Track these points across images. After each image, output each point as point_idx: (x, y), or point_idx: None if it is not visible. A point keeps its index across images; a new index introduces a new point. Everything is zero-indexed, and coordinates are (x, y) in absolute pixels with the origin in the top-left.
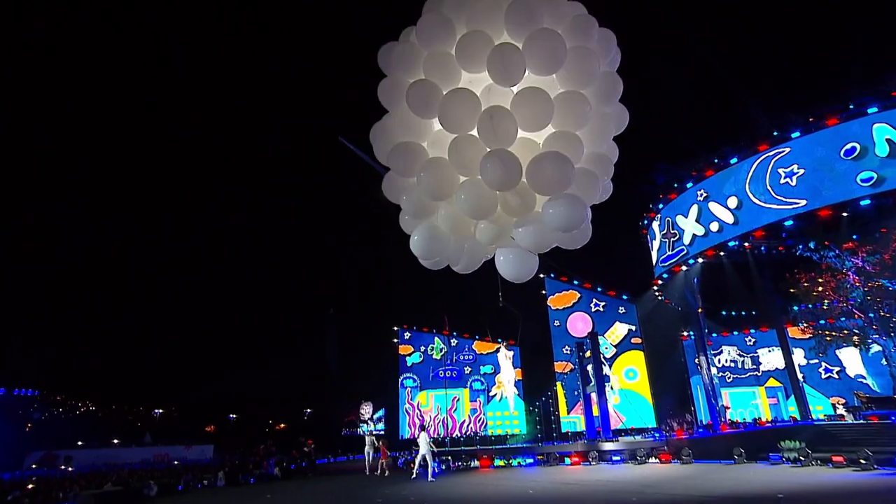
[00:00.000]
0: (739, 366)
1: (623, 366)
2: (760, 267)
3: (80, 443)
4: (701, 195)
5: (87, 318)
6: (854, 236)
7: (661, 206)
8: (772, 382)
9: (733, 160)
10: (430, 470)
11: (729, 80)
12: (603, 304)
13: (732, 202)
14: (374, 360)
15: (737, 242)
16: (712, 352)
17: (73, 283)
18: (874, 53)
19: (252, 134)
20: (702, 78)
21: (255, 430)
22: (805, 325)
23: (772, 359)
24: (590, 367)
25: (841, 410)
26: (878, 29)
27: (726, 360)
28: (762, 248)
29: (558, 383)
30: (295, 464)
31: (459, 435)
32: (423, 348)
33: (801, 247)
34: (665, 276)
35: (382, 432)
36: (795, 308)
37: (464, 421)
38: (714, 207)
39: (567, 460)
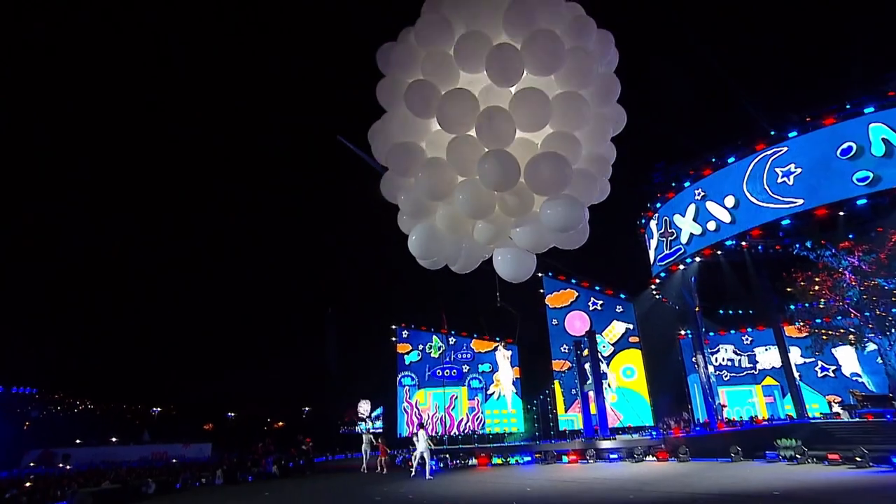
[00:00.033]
0: (736, 364)
1: (620, 364)
2: (757, 266)
3: (78, 441)
4: (698, 194)
5: (85, 316)
6: (850, 235)
7: (658, 205)
8: (768, 381)
9: (731, 159)
10: (427, 468)
11: (727, 79)
12: (601, 302)
13: (730, 201)
14: (372, 359)
15: (734, 241)
16: (709, 350)
17: (71, 282)
18: (871, 53)
19: (252, 134)
20: (699, 77)
21: (253, 428)
22: (801, 323)
23: (768, 357)
24: (587, 366)
25: (837, 409)
26: (876, 29)
27: (723, 359)
28: (759, 248)
29: (556, 382)
30: (293, 462)
31: (457, 433)
32: (421, 347)
33: (797, 246)
34: (662, 274)
35: (380, 430)
36: (792, 307)
37: (462, 419)
38: (711, 206)
39: (564, 458)
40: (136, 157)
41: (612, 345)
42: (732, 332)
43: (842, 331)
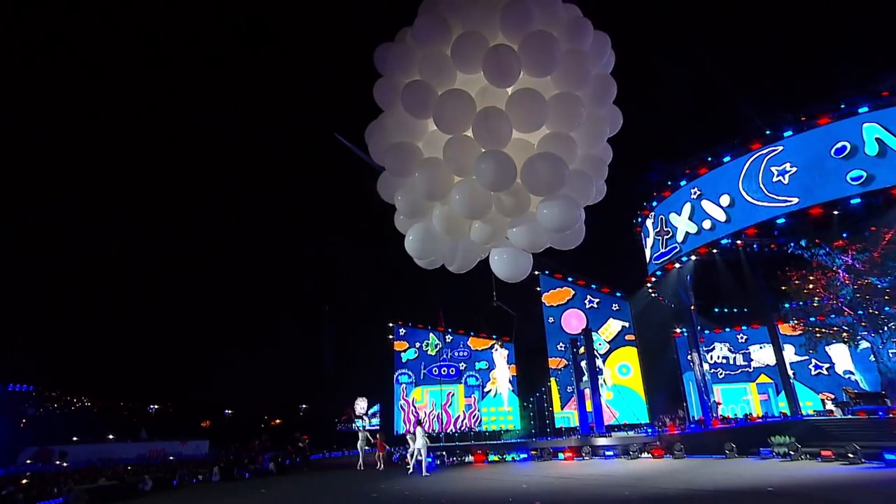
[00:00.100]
0: (731, 362)
1: (616, 362)
2: (752, 264)
3: (75, 438)
4: (694, 193)
5: (82, 314)
6: (844, 234)
7: (654, 203)
8: (763, 379)
9: (726, 158)
10: (423, 465)
11: (722, 79)
12: (597, 300)
13: (725, 200)
14: (369, 357)
15: (729, 240)
16: (704, 348)
17: (69, 280)
18: (866, 53)
19: (252, 134)
20: (696, 77)
21: (250, 425)
22: (796, 321)
23: (763, 355)
24: (583, 364)
25: (830, 406)
26: (870, 29)
27: (718, 357)
28: (754, 246)
29: (552, 379)
30: (290, 459)
31: (454, 430)
32: (418, 344)
33: (792, 245)
34: (658, 273)
35: (377, 428)
36: (787, 305)
37: (458, 416)
38: (707, 205)
39: (560, 455)
40: (136, 157)
41: (608, 342)
42: (727, 330)
43: (835, 329)
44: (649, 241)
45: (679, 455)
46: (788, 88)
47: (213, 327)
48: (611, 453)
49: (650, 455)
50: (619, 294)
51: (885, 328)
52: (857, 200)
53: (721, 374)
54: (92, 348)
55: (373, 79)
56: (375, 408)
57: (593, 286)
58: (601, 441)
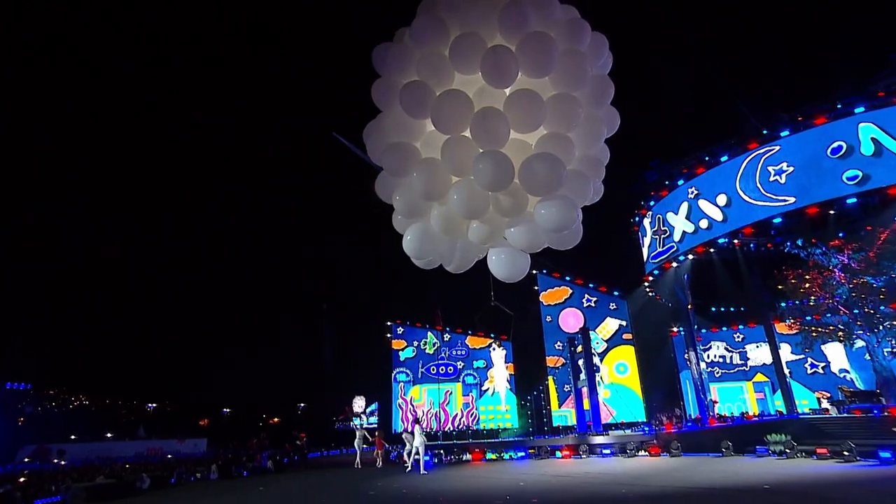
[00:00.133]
0: (728, 361)
1: (614, 360)
2: (749, 264)
3: (73, 437)
4: (692, 192)
5: (81, 314)
6: (840, 234)
7: (652, 203)
8: (759, 377)
9: (724, 158)
10: (421, 463)
11: (720, 79)
12: (595, 299)
13: (722, 200)
14: (367, 355)
15: (726, 239)
16: (701, 347)
17: (68, 280)
18: (863, 53)
19: (251, 134)
20: (693, 77)
21: (248, 424)
22: (792, 320)
23: (759, 354)
24: (581, 362)
25: (825, 404)
26: (867, 30)
27: (715, 356)
28: (751, 245)
29: (550, 378)
30: (288, 457)
31: (452, 429)
32: (416, 343)
33: (789, 244)
34: (656, 272)
35: (375, 426)
36: (783, 304)
37: (456, 415)
38: (704, 205)
39: (558, 454)
40: (136, 157)
41: (606, 341)
42: (724, 329)
43: (831, 328)
44: (647, 241)
45: (676, 453)
46: (785, 88)
47: (211, 326)
48: (608, 451)
49: (647, 453)
50: (616, 293)
51: (881, 327)
52: (853, 200)
53: (718, 372)
54: (90, 347)
55: (371, 79)
56: (374, 406)
57: (591, 285)
58: (598, 439)
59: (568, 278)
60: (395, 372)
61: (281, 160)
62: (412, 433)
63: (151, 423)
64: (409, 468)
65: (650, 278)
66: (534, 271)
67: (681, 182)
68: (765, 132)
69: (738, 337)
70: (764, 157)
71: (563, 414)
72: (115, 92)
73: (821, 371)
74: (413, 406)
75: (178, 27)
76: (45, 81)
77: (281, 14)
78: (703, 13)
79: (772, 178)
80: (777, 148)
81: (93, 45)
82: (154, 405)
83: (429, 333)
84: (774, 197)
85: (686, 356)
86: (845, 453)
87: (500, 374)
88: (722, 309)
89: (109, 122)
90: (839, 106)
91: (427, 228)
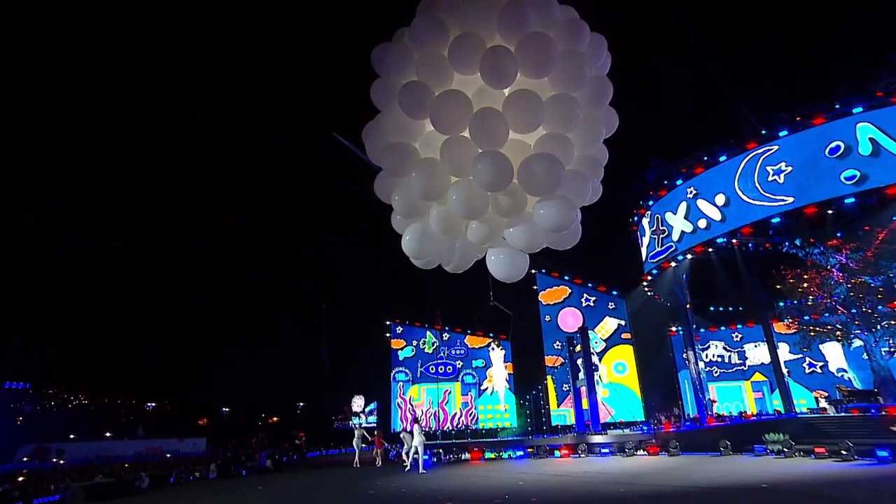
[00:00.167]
0: (726, 361)
1: (612, 360)
2: (748, 263)
3: (72, 436)
4: (690, 192)
5: (80, 313)
6: (838, 234)
7: (651, 202)
8: (757, 377)
9: (722, 158)
10: (420, 462)
11: (719, 79)
12: (593, 299)
13: (720, 199)
14: (366, 355)
15: (725, 239)
16: (700, 347)
17: (67, 279)
18: (861, 54)
19: (251, 133)
20: (692, 77)
21: (248, 423)
22: (790, 320)
23: (757, 354)
24: (580, 362)
25: (823, 404)
26: (866, 30)
27: (713, 355)
28: (750, 245)
29: (549, 377)
30: (287, 456)
31: (451, 428)
32: (415, 342)
33: (787, 244)
34: (654, 272)
35: (374, 425)
36: (781, 304)
37: (455, 414)
38: (702, 204)
39: (557, 453)
40: (136, 157)
41: (605, 341)
42: (723, 328)
43: (829, 327)
44: (645, 240)
45: (674, 452)
46: (785, 88)
47: (210, 325)
48: (607, 451)
49: (646, 452)
50: (615, 292)
51: (878, 327)
52: (851, 200)
53: (716, 372)
54: (89, 346)
55: (370, 79)
56: (373, 405)
57: (590, 285)
58: (597, 439)
59: (567, 278)
60: (394, 371)
61: (280, 160)
62: (411, 432)
63: (151, 423)
64: (409, 467)
65: (649, 278)
66: (533, 271)
67: (679, 182)
68: (763, 132)
69: (737, 336)
70: (763, 157)
71: (562, 413)
72: (115, 92)
73: (819, 370)
74: (412, 405)
75: (178, 27)
76: (45, 81)
77: (281, 14)
78: (702, 13)
79: (770, 178)
80: (776, 148)
81: (93, 45)
82: (153, 404)
83: (428, 333)
84: (773, 197)
85: (684, 356)
86: (843, 452)
87: (498, 373)
88: (720, 308)
89: (109, 122)
90: (837, 106)
91: (426, 228)
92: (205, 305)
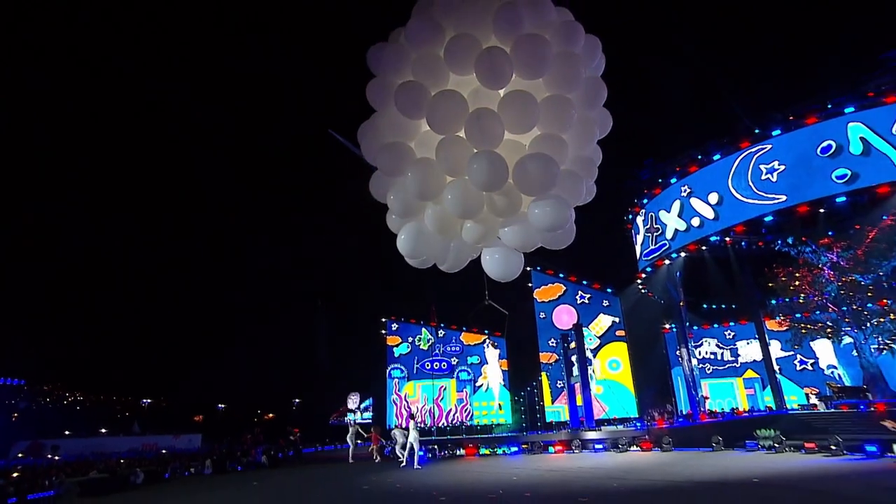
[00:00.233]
0: (719, 358)
1: (606, 357)
2: (741, 261)
3: (67, 432)
4: (684, 191)
5: (75, 310)
6: (830, 232)
7: (645, 200)
8: (749, 374)
9: (716, 156)
10: (416, 458)
11: (713, 78)
12: (588, 296)
13: (714, 198)
14: (362, 351)
15: (718, 237)
16: (693, 344)
17: (65, 277)
18: (854, 54)
19: (251, 133)
20: (686, 77)
21: (243, 419)
22: (782, 318)
23: (750, 351)
24: (574, 358)
25: (814, 400)
26: (858, 31)
27: (706, 353)
28: (743, 244)
29: (543, 374)
30: (282, 452)
31: (446, 424)
32: (410, 339)
33: (779, 242)
34: (648, 269)
35: (369, 422)
36: (773, 301)
37: (450, 410)
38: (696, 203)
39: (551, 449)
40: (136, 157)
41: (599, 338)
42: (716, 326)
43: (820, 325)
44: (639, 238)
45: (667, 448)
46: (778, 88)
47: (206, 322)
48: (600, 447)
49: (639, 448)
50: (609, 290)
51: (868, 324)
52: (843, 199)
53: (709, 369)
54: (84, 343)
55: (366, 78)
56: (368, 402)
57: (584, 282)
58: (591, 435)
59: (562, 275)
60: (389, 368)
61: (277, 159)
62: (406, 428)
63: (146, 419)
64: (404, 463)
65: (643, 276)
66: (528, 268)
67: (673, 180)
68: (757, 131)
69: (729, 334)
70: (756, 156)
71: (556, 410)
72: (115, 92)
73: (809, 367)
74: (407, 402)
75: (178, 27)
76: (45, 81)
77: (280, 14)
78: (696, 13)
79: (764, 177)
80: (769, 147)
81: (93, 45)
82: (149, 401)
83: (423, 330)
84: (766, 195)
85: (678, 353)
86: (832, 447)
87: (493, 370)
88: (713, 306)
89: (109, 122)
90: (830, 106)
91: (421, 228)
92: (200, 302)
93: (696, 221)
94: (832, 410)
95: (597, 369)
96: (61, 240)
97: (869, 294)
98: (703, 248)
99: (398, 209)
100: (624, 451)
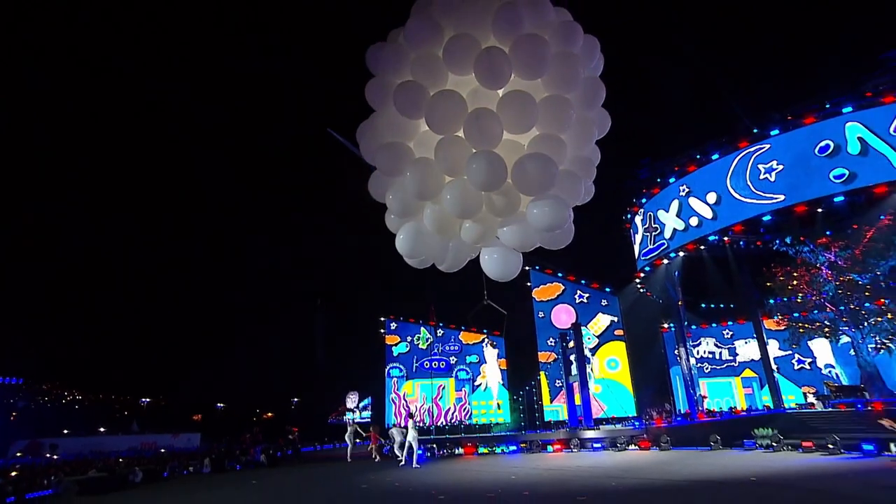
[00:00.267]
0: (717, 357)
1: (605, 356)
2: (739, 261)
3: (65, 431)
4: (682, 190)
5: (74, 309)
6: (828, 232)
7: (644, 200)
8: (747, 373)
9: (715, 156)
10: (414, 457)
11: (712, 78)
12: (587, 296)
13: (712, 197)
14: (360, 350)
15: (716, 237)
16: (691, 343)
17: (64, 276)
18: (853, 54)
19: (251, 134)
20: (685, 77)
21: (242, 418)
22: (780, 317)
23: (748, 350)
24: (573, 358)
25: (811, 399)
26: (856, 31)
27: (704, 352)
28: (741, 243)
29: (542, 373)
30: (281, 451)
31: (444, 423)
32: (409, 338)
33: (777, 242)
34: (647, 269)
35: (368, 421)
36: (771, 301)
37: (449, 409)
38: (694, 202)
39: (549, 448)
40: (136, 157)
41: (597, 337)
42: (714, 325)
43: (818, 324)
44: (638, 238)
45: (665, 447)
46: (777, 88)
47: (205, 322)
48: (599, 446)
49: (637, 447)
50: (608, 289)
51: (865, 323)
52: (841, 199)
53: (707, 368)
54: (83, 342)
55: (365, 78)
56: (367, 401)
57: (583, 282)
58: (589, 434)
59: (560, 275)
60: (388, 367)
61: (277, 159)
62: (405, 427)
63: (145, 418)
64: (402, 462)
65: (641, 275)
66: (527, 267)
67: (672, 180)
68: (755, 131)
69: (728, 333)
70: (754, 156)
71: (555, 409)
72: (115, 92)
73: (807, 367)
74: (406, 401)
75: (178, 27)
76: (44, 81)
77: (281, 14)
78: (696, 13)
79: (762, 177)
80: (767, 146)
81: (93, 45)
82: (148, 400)
83: (422, 329)
84: (764, 195)
85: (676, 352)
86: (830, 446)
87: (492, 369)
88: (712, 305)
89: (109, 122)
90: (828, 106)
91: (420, 228)
92: (200, 302)
93: (694, 221)
94: (830, 409)
95: (595, 368)
96: (61, 240)
97: (866, 293)
98: (702, 247)
99: (397, 209)
100: (622, 449)
